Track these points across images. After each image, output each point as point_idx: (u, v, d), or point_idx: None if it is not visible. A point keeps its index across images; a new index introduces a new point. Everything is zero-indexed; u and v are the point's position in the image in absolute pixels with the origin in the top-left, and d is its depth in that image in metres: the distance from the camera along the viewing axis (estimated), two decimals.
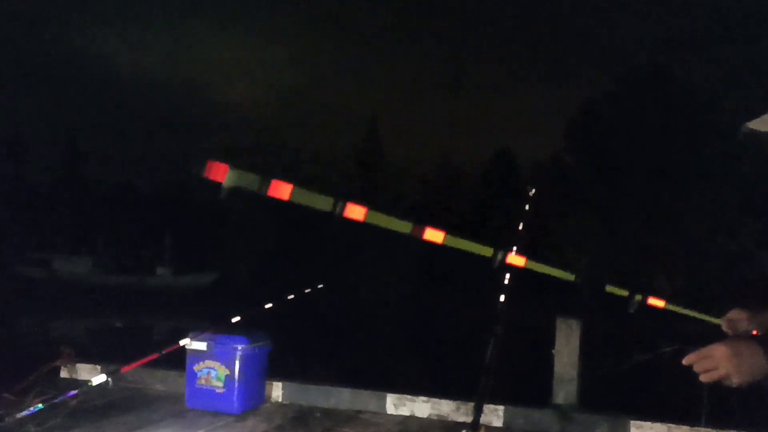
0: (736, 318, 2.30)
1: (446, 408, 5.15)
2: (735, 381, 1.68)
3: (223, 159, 1.98)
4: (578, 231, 35.02)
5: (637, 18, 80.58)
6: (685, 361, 1.75)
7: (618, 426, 4.78)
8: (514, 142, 76.81)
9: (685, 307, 2.57)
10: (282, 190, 2.06)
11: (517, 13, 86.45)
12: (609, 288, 2.57)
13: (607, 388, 7.28)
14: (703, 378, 1.72)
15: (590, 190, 36.34)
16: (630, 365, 7.36)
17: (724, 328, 2.33)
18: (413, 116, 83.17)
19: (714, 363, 1.70)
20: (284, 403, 5.46)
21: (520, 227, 3.41)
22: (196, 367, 5.04)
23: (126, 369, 4.16)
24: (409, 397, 5.26)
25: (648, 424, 4.70)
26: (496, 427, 4.94)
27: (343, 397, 5.39)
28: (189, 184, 48.40)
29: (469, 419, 4.45)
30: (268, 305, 4.81)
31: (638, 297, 2.51)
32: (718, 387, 1.77)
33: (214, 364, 5.01)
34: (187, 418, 4.84)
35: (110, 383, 3.85)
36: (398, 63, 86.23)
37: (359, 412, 5.25)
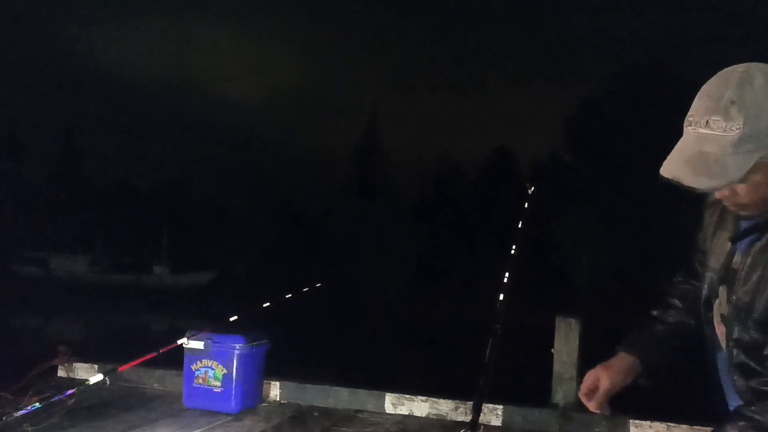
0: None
1: (445, 407, 5.13)
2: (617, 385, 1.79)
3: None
4: (578, 230, 34.99)
5: (636, 17, 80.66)
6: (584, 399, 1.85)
7: (617, 425, 4.76)
8: (514, 139, 76.85)
9: None
10: None
11: (517, 12, 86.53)
12: None
13: None
14: (591, 407, 1.81)
15: (590, 188, 36.31)
16: None
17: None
18: (413, 114, 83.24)
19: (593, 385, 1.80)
20: (282, 402, 5.44)
21: (520, 225, 3.39)
22: (193, 366, 5.02)
23: (123, 368, 4.14)
24: (407, 396, 5.23)
25: (647, 423, 4.68)
26: (494, 427, 4.92)
27: (341, 397, 5.37)
28: (187, 182, 48.32)
29: (467, 418, 4.44)
30: (266, 304, 4.79)
31: None
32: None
33: (211, 363, 4.99)
34: (184, 418, 4.82)
35: (107, 382, 3.83)
36: (398, 62, 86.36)
37: (357, 411, 5.23)
